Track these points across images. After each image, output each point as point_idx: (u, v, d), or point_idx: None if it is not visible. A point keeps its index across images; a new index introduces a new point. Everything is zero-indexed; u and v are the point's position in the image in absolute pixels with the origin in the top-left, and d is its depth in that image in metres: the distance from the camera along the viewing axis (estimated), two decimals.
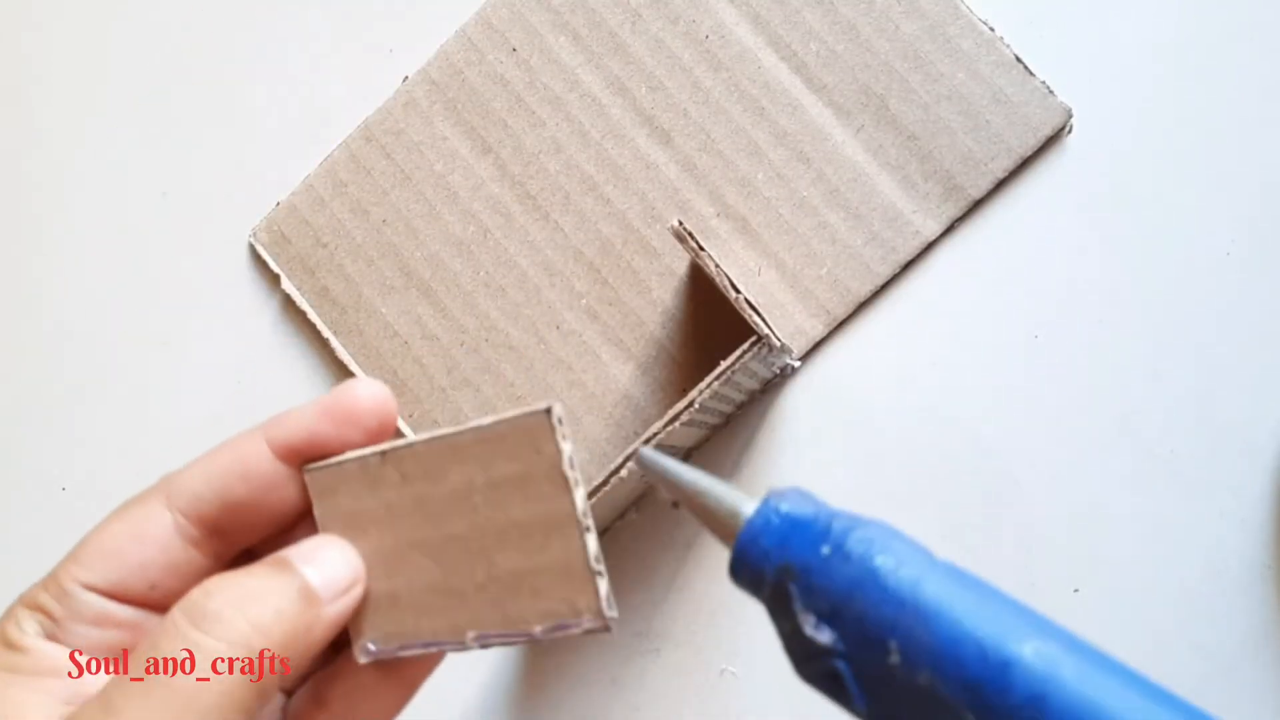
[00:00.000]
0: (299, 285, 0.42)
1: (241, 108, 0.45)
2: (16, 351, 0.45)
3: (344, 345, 0.42)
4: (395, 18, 0.44)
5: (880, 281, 0.39)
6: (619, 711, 0.41)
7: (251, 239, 0.43)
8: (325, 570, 0.23)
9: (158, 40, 0.45)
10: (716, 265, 0.33)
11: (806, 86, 0.39)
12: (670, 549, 0.41)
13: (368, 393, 0.25)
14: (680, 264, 0.40)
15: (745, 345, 0.33)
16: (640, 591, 0.42)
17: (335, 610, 0.23)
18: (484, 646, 0.24)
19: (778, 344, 0.33)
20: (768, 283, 0.39)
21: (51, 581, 0.24)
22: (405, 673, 0.26)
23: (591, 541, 0.22)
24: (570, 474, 0.22)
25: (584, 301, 0.41)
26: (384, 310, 0.42)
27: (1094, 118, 0.39)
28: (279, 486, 0.25)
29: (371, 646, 0.25)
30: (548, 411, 0.22)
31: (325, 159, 0.43)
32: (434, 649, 0.24)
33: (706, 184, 0.40)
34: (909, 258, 0.39)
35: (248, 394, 0.43)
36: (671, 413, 0.33)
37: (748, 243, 0.40)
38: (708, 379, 0.33)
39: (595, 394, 0.40)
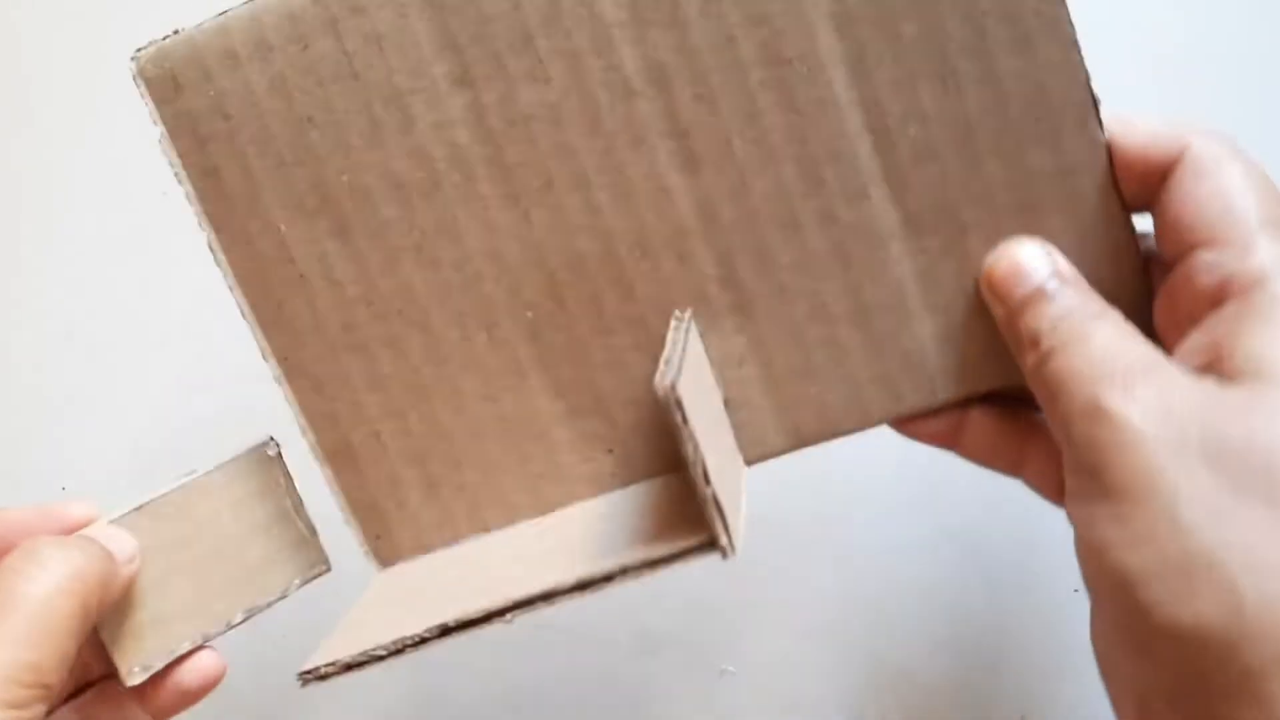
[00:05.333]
0: (181, 152, 0.35)
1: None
2: (17, 351, 0.48)
3: (225, 249, 0.36)
4: None
5: (870, 426, 0.35)
6: (619, 711, 0.43)
7: (134, 68, 0.35)
8: (116, 543, 0.32)
9: (158, 38, 0.38)
10: (696, 448, 0.29)
11: (884, 176, 0.33)
12: None
13: (80, 510, 0.33)
14: (658, 321, 0.35)
15: (693, 544, 0.30)
16: (640, 592, 0.42)
17: (127, 572, 0.32)
18: (246, 619, 0.35)
19: (732, 553, 0.30)
20: (747, 377, 0.35)
21: None
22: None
23: (305, 519, 0.37)
24: (285, 482, 0.36)
25: (530, 315, 0.35)
26: (284, 229, 0.35)
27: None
28: None
29: (137, 669, 0.33)
30: (270, 441, 0.36)
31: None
32: (201, 641, 0.34)
33: (721, 239, 0.34)
34: (911, 413, 0.35)
35: (247, 394, 0.42)
36: (580, 578, 0.30)
37: (740, 324, 0.35)
38: (635, 562, 0.30)
39: (509, 418, 0.37)
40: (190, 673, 0.35)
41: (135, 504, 0.34)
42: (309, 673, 0.32)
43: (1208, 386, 0.28)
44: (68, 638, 0.29)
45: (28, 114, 0.49)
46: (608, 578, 0.31)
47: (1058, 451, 0.31)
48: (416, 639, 0.32)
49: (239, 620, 0.35)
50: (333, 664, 0.32)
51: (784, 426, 0.36)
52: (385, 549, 0.38)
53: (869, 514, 0.41)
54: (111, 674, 0.34)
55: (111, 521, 0.33)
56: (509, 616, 0.31)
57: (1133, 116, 0.32)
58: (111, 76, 0.45)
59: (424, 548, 0.38)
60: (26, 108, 0.49)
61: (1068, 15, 0.31)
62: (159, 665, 0.33)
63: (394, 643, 0.32)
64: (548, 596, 0.31)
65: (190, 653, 0.34)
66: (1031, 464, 0.35)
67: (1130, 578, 0.27)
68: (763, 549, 0.41)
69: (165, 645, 0.34)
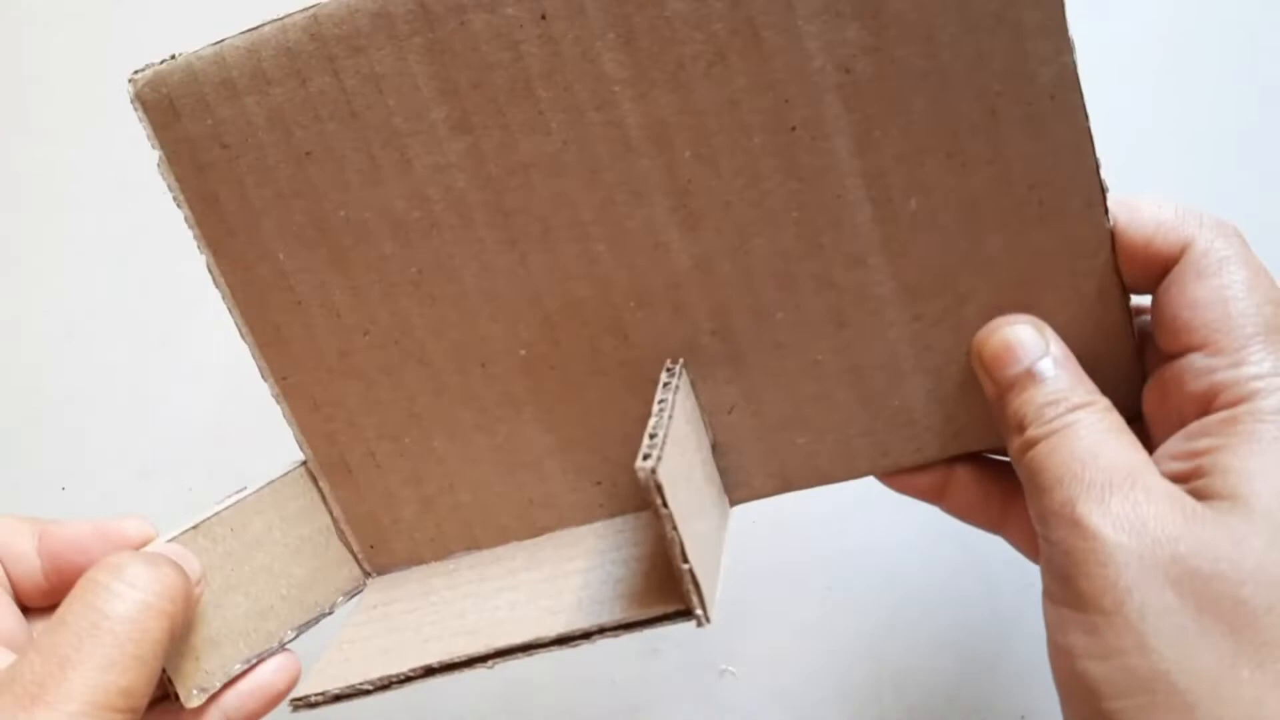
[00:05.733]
0: (179, 177, 0.35)
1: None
2: (17, 352, 0.48)
3: (223, 272, 0.36)
4: None
5: (856, 477, 0.36)
6: (619, 711, 0.44)
7: (131, 90, 0.34)
8: (187, 562, 0.32)
9: (158, 39, 0.39)
10: (675, 528, 0.30)
11: (883, 244, 0.33)
12: None
13: (136, 528, 0.33)
14: (651, 365, 0.35)
15: (669, 611, 0.31)
16: None
17: (199, 592, 0.32)
18: (296, 637, 0.35)
19: (706, 623, 0.31)
20: (737, 424, 0.36)
21: None
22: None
23: (354, 541, 0.38)
24: (330, 502, 0.38)
25: (523, 352, 0.36)
26: (283, 258, 0.36)
27: (1093, 118, 0.36)
28: (32, 575, 0.33)
29: (196, 691, 0.33)
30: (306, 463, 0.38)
31: (250, 30, 0.33)
32: (254, 660, 0.34)
33: (716, 294, 0.34)
34: (897, 468, 0.36)
35: (247, 394, 0.42)
36: (560, 633, 0.32)
37: (732, 375, 0.35)
38: (613, 624, 0.32)
39: (502, 448, 0.37)
40: (279, 672, 0.35)
41: (191, 523, 0.33)
42: (300, 700, 0.34)
43: (1183, 505, 0.28)
44: (157, 660, 0.28)
45: (28, 114, 0.48)
46: (586, 634, 0.32)
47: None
48: (402, 677, 0.33)
49: (289, 639, 0.35)
50: (322, 694, 0.34)
51: (770, 472, 0.36)
52: (378, 558, 0.40)
53: (869, 514, 0.42)
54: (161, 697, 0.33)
55: (169, 541, 0.33)
56: (491, 663, 0.33)
57: (1140, 203, 0.31)
58: (111, 77, 0.45)
59: (416, 559, 0.39)
60: (26, 108, 0.48)
61: (1082, 102, 0.30)
62: (217, 686, 0.33)
63: (380, 679, 0.33)
64: (528, 648, 0.32)
65: (244, 672, 0.34)
66: (1013, 523, 0.36)
67: (1095, 686, 0.28)
68: (763, 550, 0.42)
69: (222, 666, 0.33)
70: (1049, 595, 0.30)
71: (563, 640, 0.32)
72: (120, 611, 0.28)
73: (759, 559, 0.43)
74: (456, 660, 0.33)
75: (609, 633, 0.32)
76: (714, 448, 0.36)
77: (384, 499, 0.39)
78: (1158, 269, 0.31)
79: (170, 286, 0.47)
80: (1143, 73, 0.42)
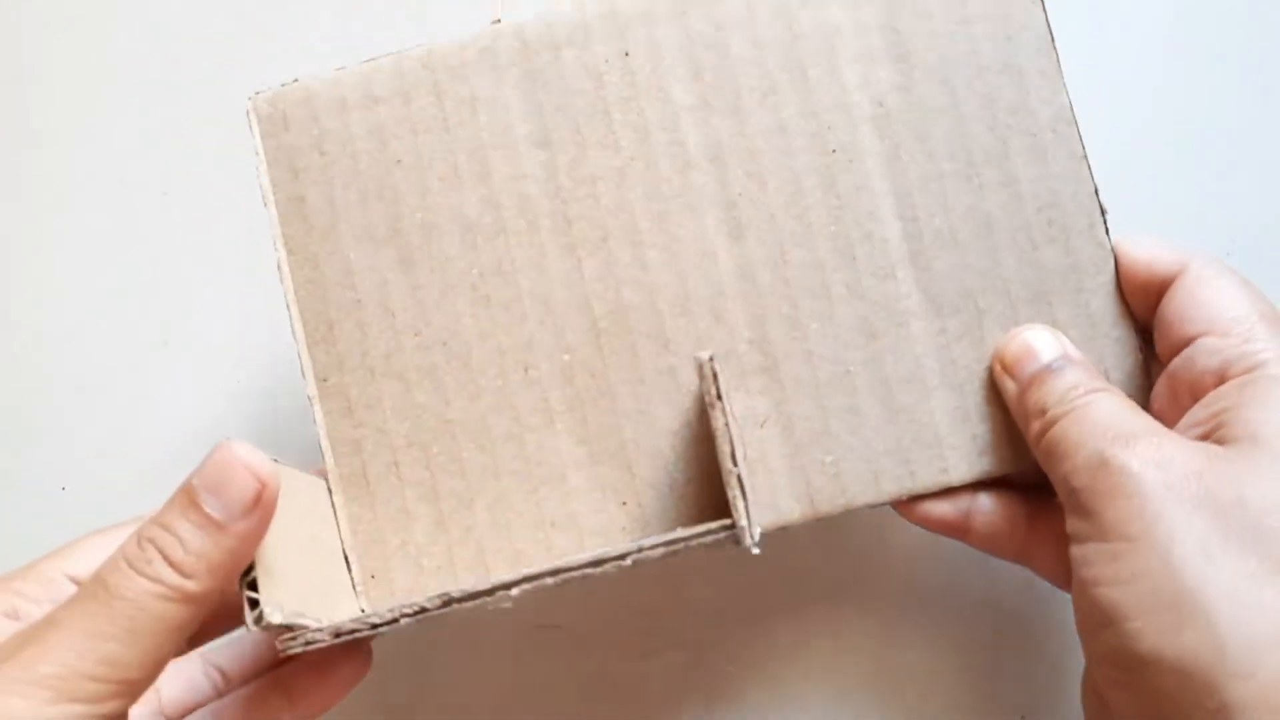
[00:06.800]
0: (274, 180, 0.39)
1: (243, 105, 0.42)
2: (17, 351, 0.48)
3: (291, 269, 0.39)
4: None
5: (881, 500, 0.37)
6: (619, 712, 0.43)
7: (250, 105, 0.40)
8: (228, 498, 0.29)
9: (158, 38, 0.48)
10: (728, 423, 0.31)
11: (910, 258, 0.37)
12: None
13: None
14: (688, 375, 0.37)
15: (713, 526, 0.31)
16: (639, 593, 0.44)
17: (245, 527, 0.29)
18: (344, 639, 0.31)
19: (750, 540, 0.31)
20: (768, 438, 0.37)
21: (31, 571, 0.33)
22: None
23: (356, 567, 0.37)
24: (341, 524, 0.37)
25: (566, 358, 0.38)
26: (352, 256, 0.39)
27: (1092, 118, 0.38)
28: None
29: (271, 608, 0.30)
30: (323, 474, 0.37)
31: (368, 60, 0.39)
32: (305, 647, 0.31)
33: (755, 303, 0.37)
34: (922, 491, 0.37)
35: (248, 395, 0.45)
36: (593, 556, 0.31)
37: (765, 385, 0.37)
38: (651, 542, 0.31)
39: (529, 459, 0.38)
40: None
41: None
42: (293, 638, 0.31)
43: (1206, 447, 0.30)
44: (156, 638, 0.28)
45: (28, 114, 0.50)
46: (622, 556, 0.31)
47: (1065, 537, 0.33)
48: (416, 609, 0.31)
49: (348, 630, 0.32)
50: (321, 629, 0.31)
51: (797, 494, 0.37)
52: (377, 591, 0.37)
53: (869, 514, 0.40)
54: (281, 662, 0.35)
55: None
56: (515, 590, 0.31)
57: (1140, 238, 0.36)
58: (112, 76, 0.49)
59: (419, 592, 0.37)
60: (26, 108, 0.50)
61: (1078, 134, 0.36)
62: (296, 622, 0.31)
63: (391, 611, 0.31)
64: (558, 572, 0.31)
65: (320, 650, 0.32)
66: (1038, 550, 0.36)
67: (1119, 611, 0.28)
68: (762, 550, 0.41)
69: (299, 609, 0.31)
70: (1074, 538, 0.31)
71: (597, 563, 0.31)
72: (123, 586, 0.27)
73: (759, 560, 0.43)
74: (478, 590, 0.31)
75: (647, 551, 0.31)
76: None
77: (397, 516, 0.38)
78: (1156, 287, 0.35)
79: (170, 286, 0.48)
80: (1142, 73, 0.45)
